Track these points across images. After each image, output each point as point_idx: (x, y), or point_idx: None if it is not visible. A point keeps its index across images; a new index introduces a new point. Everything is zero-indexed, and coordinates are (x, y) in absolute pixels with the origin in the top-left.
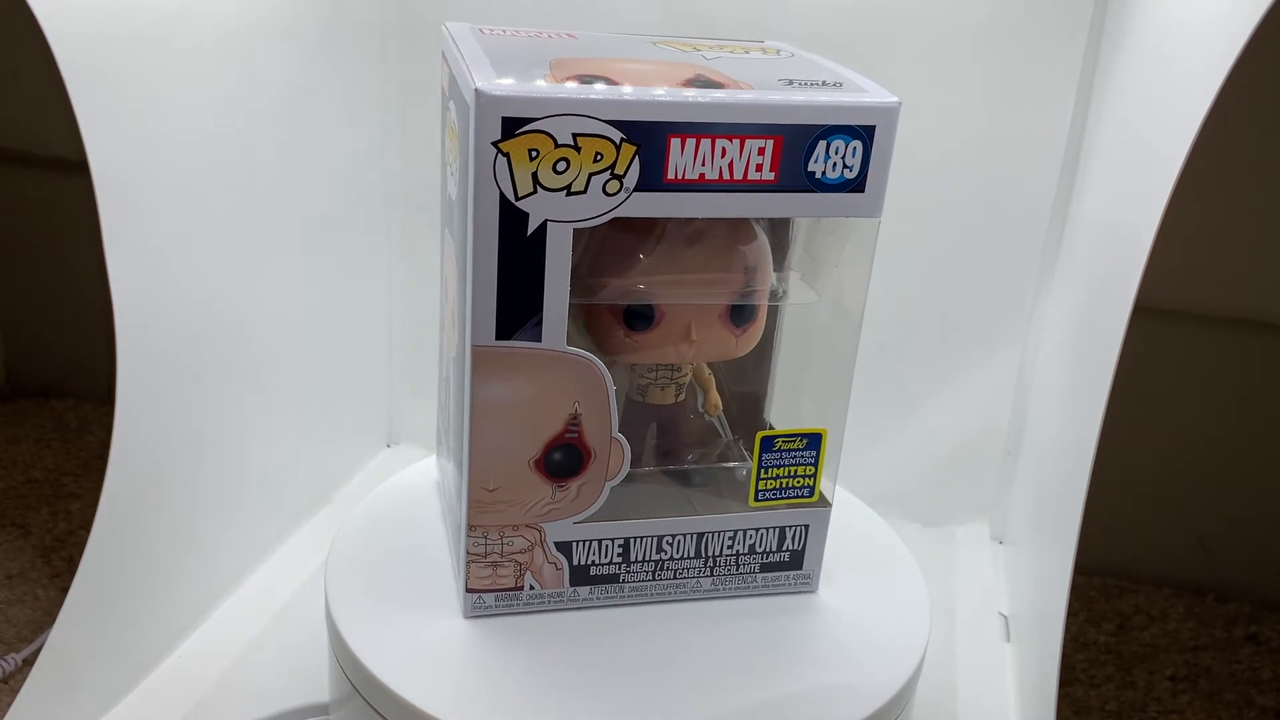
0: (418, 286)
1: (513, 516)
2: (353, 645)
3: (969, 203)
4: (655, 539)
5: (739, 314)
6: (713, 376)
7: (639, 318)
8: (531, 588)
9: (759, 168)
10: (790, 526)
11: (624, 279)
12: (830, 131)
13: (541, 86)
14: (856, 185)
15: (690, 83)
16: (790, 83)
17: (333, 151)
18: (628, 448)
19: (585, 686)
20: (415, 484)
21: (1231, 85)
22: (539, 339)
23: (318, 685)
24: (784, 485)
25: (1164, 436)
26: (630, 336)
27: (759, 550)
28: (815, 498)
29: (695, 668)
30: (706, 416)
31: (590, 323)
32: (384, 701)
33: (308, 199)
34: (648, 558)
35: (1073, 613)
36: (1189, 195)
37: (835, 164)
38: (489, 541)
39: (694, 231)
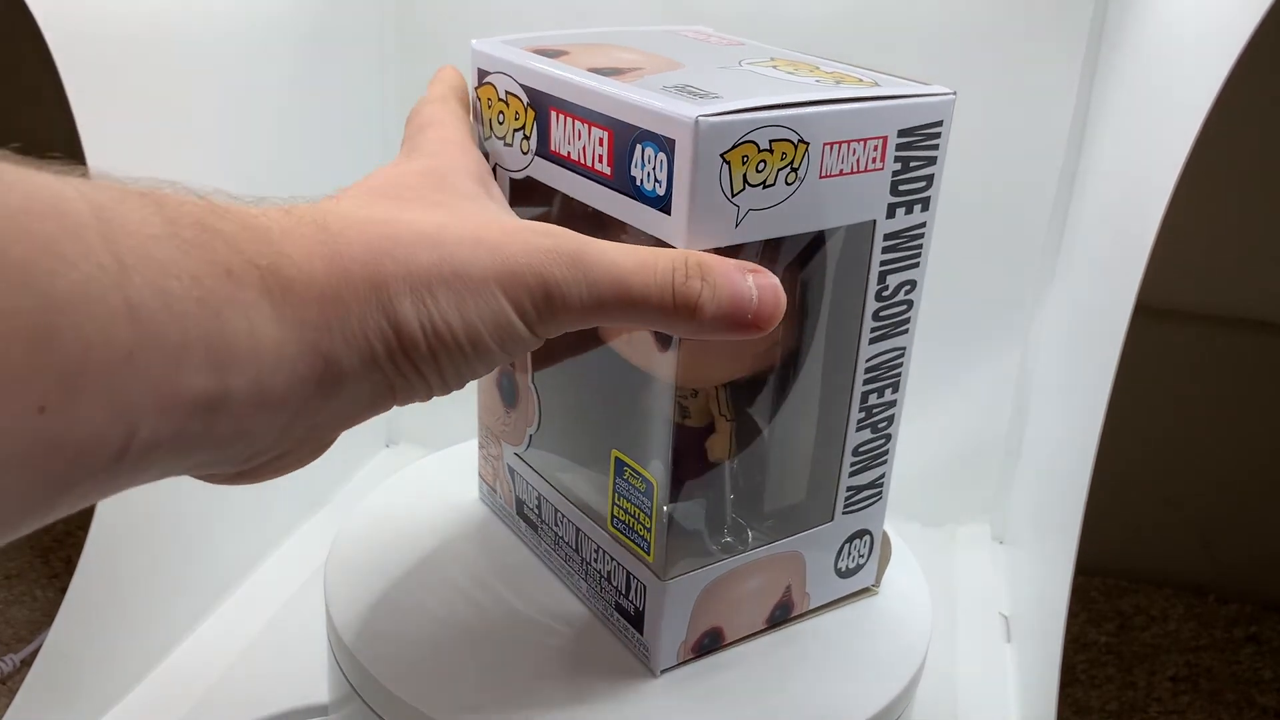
0: None
1: (490, 422)
2: (352, 645)
3: (969, 203)
4: (554, 510)
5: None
6: (725, 420)
7: None
8: (498, 494)
9: (600, 158)
10: (635, 579)
11: None
12: (644, 136)
13: (500, 49)
14: (664, 204)
15: (602, 70)
16: (682, 89)
17: (332, 151)
18: (538, 400)
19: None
20: (415, 484)
21: (1231, 85)
22: None
23: (318, 685)
24: (631, 525)
25: (1165, 436)
26: None
27: (613, 583)
28: (650, 557)
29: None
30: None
31: None
32: (384, 701)
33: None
34: (549, 524)
35: (1073, 613)
36: (1190, 195)
37: (649, 173)
38: (484, 436)
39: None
